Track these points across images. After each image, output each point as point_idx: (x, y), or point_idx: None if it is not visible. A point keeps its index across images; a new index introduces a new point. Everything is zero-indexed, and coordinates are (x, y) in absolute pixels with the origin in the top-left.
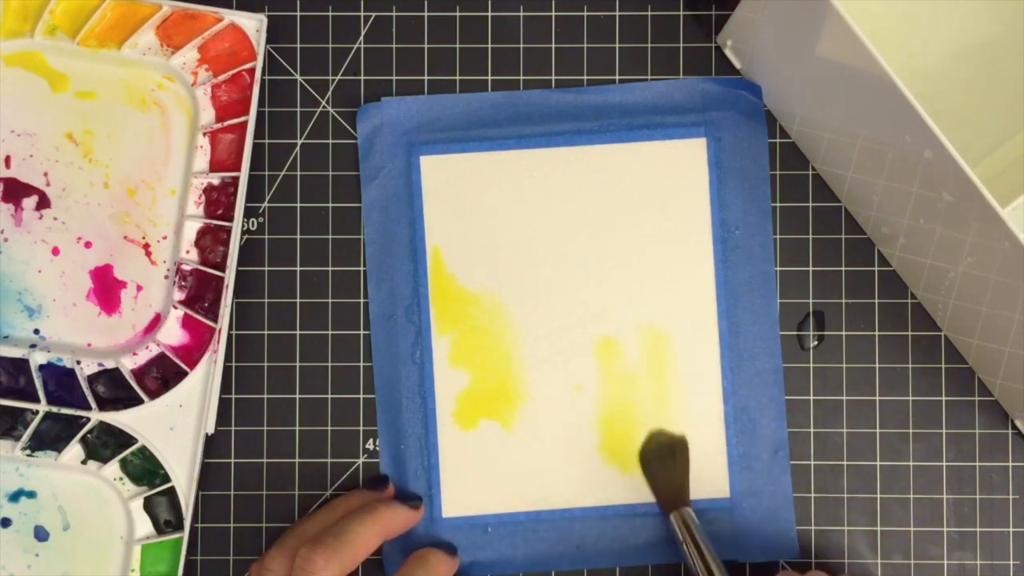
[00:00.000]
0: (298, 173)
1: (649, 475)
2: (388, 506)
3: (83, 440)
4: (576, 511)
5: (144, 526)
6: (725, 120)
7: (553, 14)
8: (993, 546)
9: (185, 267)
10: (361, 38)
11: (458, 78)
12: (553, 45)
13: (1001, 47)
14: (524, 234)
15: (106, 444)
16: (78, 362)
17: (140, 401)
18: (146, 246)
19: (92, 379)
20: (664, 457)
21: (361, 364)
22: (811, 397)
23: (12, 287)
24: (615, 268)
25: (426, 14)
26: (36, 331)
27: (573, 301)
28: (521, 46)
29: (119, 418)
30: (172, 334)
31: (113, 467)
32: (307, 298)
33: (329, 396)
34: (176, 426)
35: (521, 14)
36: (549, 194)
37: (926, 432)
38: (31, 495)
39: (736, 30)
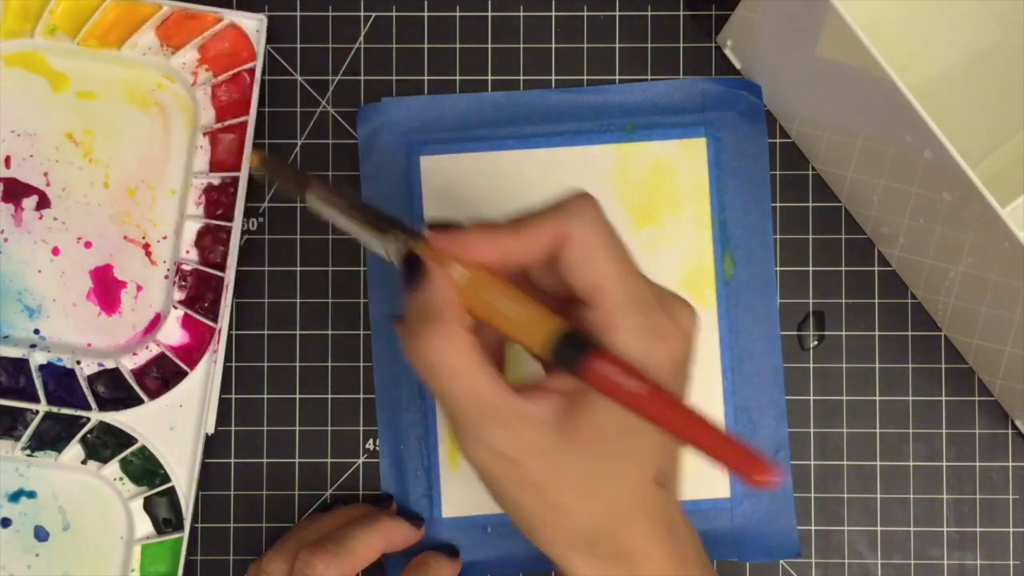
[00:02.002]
0: None
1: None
2: (392, 518)
3: (83, 440)
4: None
5: (144, 526)
6: (725, 120)
7: (553, 14)
8: (993, 546)
9: (185, 267)
10: (361, 38)
11: (458, 78)
12: (553, 45)
13: (1001, 47)
14: None
15: (106, 444)
16: (78, 362)
17: (140, 401)
18: (146, 246)
19: (92, 379)
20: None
21: (361, 364)
22: (811, 397)
23: (12, 287)
24: None
25: (426, 14)
26: (36, 331)
27: None
28: (521, 46)
29: (119, 418)
30: (172, 334)
31: (113, 467)
32: (307, 298)
33: (329, 396)
34: (176, 426)
35: (521, 14)
36: (549, 194)
37: (926, 432)
38: (31, 495)
39: (736, 30)
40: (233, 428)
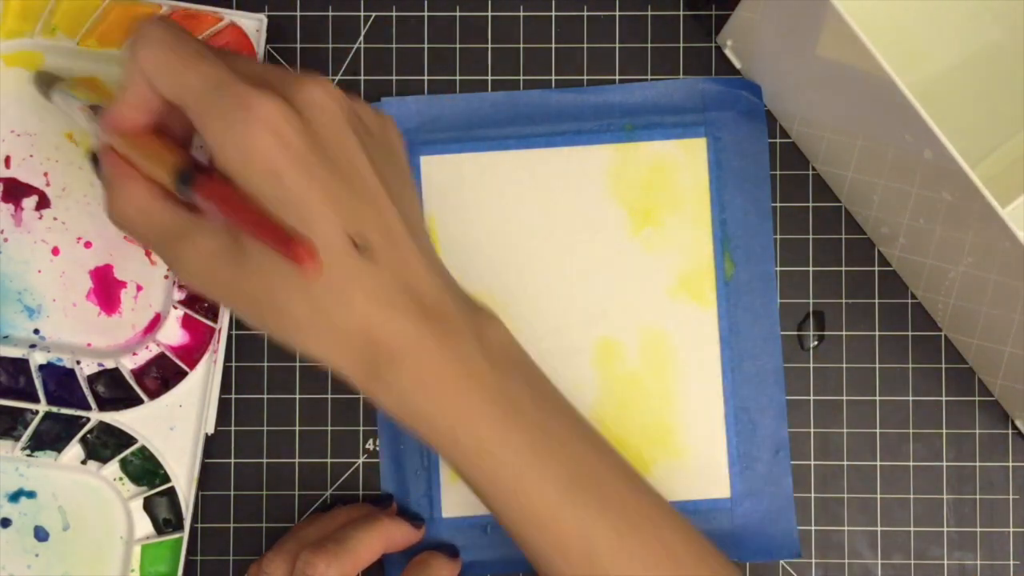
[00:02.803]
0: None
1: None
2: (392, 519)
3: (83, 440)
4: None
5: (144, 526)
6: (725, 120)
7: (553, 14)
8: (993, 546)
9: None
10: (361, 38)
11: (458, 78)
12: (553, 45)
13: (1001, 47)
14: (524, 234)
15: (106, 444)
16: (78, 362)
17: (140, 401)
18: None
19: (92, 379)
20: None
21: None
22: (811, 397)
23: (12, 287)
24: (615, 268)
25: (426, 14)
26: (36, 331)
27: (572, 301)
28: (521, 46)
29: (119, 418)
30: (172, 334)
31: (113, 467)
32: None
33: (329, 396)
34: (176, 426)
35: (521, 14)
36: (549, 194)
37: (926, 432)
38: (31, 495)
39: (736, 30)
40: (233, 428)
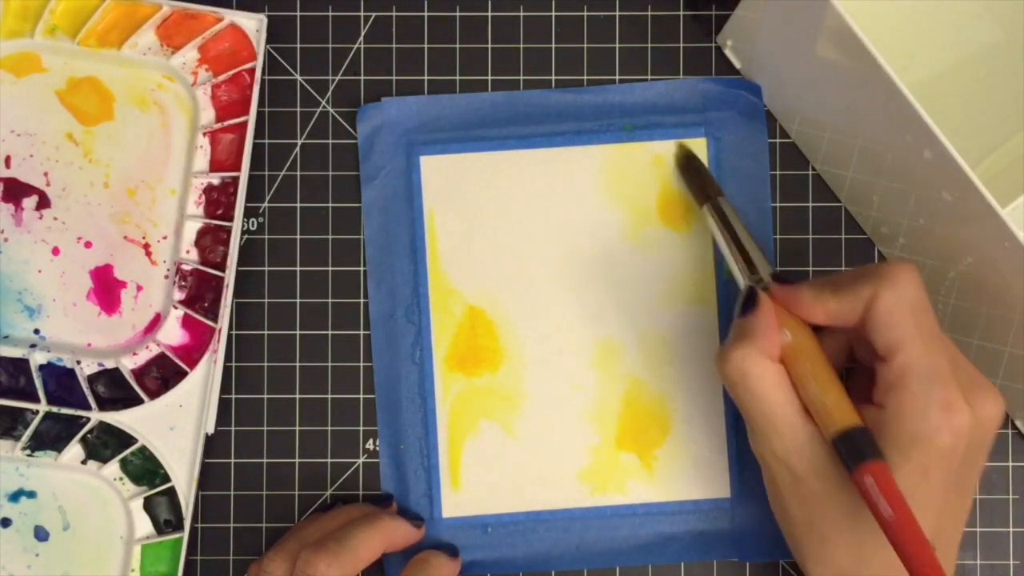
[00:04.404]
0: (298, 173)
1: (684, 177)
2: (392, 518)
3: (83, 440)
4: (576, 511)
5: (144, 526)
6: (725, 120)
7: (553, 14)
8: (993, 546)
9: (185, 267)
10: (361, 38)
11: (458, 78)
12: (553, 45)
13: (1001, 47)
14: (524, 234)
15: (106, 444)
16: (78, 362)
17: (140, 401)
18: (146, 246)
19: (92, 379)
20: (689, 161)
21: (361, 364)
22: None
23: (12, 287)
24: (615, 268)
25: (426, 14)
26: (36, 331)
27: (572, 301)
28: (521, 46)
29: (119, 418)
30: (172, 334)
31: (113, 467)
32: (307, 298)
33: (329, 396)
34: (176, 426)
35: (521, 14)
36: (549, 194)
37: None
38: (31, 495)
39: (736, 30)
40: (233, 428)
